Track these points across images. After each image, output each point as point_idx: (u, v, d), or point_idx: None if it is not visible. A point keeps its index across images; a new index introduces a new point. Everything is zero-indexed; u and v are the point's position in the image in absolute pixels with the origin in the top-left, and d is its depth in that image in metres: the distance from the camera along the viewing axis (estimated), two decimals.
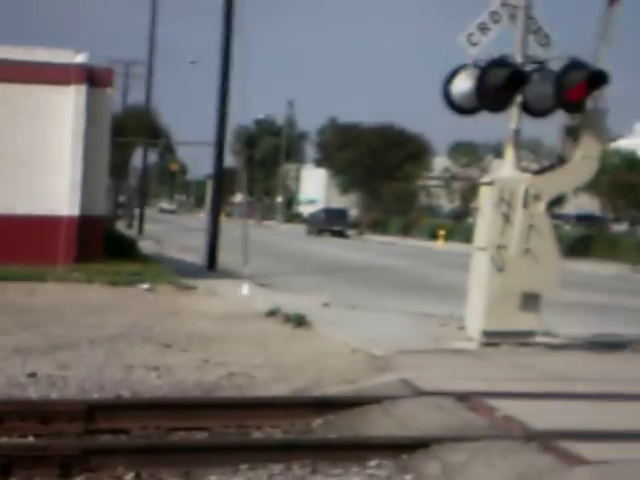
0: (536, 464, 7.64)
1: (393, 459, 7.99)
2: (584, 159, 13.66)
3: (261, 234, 53.16)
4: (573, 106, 13.53)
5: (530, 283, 13.30)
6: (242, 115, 46.20)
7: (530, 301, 13.42)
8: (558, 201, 31.42)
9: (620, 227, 56.48)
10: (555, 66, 13.59)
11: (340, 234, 69.26)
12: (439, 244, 58.59)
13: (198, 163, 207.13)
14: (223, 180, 29.14)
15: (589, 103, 13.57)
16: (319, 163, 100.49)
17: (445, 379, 10.74)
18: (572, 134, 13.76)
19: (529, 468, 7.58)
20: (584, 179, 14.51)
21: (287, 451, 7.92)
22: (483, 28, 13.89)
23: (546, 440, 8.12)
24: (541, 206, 13.42)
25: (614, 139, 55.71)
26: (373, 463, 7.94)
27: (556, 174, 13.92)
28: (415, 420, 9.04)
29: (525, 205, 13.26)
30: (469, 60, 13.77)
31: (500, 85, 13.26)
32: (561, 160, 13.98)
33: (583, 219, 66.66)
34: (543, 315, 13.62)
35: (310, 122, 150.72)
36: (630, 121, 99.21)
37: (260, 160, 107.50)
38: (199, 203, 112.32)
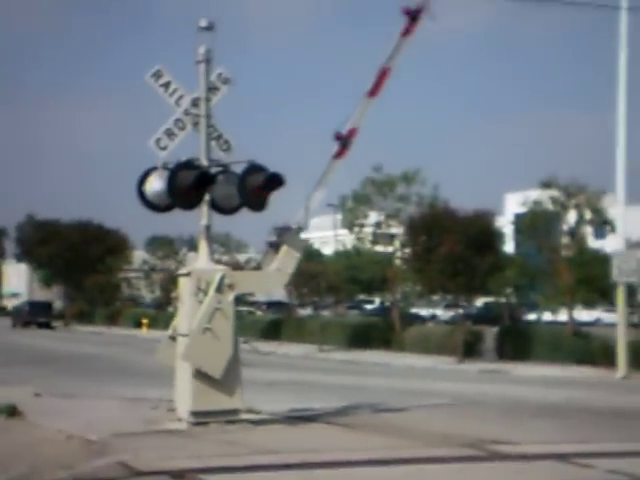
0: None
1: None
2: (278, 271, 14.23)
3: None
4: (255, 205, 14.07)
5: (201, 360, 13.25)
6: None
7: (233, 381, 13.53)
8: None
9: (305, 311, 58.35)
10: (237, 169, 14.13)
11: (46, 326, 66.81)
12: (143, 332, 57.82)
13: None
14: None
15: (292, 228, 14.26)
16: (20, 258, 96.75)
17: (159, 459, 10.55)
18: (275, 248, 14.31)
19: None
20: (275, 287, 15.29)
21: None
22: (170, 134, 14.28)
23: None
24: (231, 295, 13.60)
25: None
26: None
27: (253, 276, 14.44)
28: None
29: (219, 290, 13.43)
30: (159, 162, 14.03)
31: (189, 186, 13.60)
32: (259, 267, 14.47)
33: (273, 305, 68.47)
34: (246, 394, 13.76)
35: (9, 219, 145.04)
36: None
37: None
38: None
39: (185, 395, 13.48)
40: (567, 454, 11.41)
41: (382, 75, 14.50)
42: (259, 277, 14.42)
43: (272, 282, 14.60)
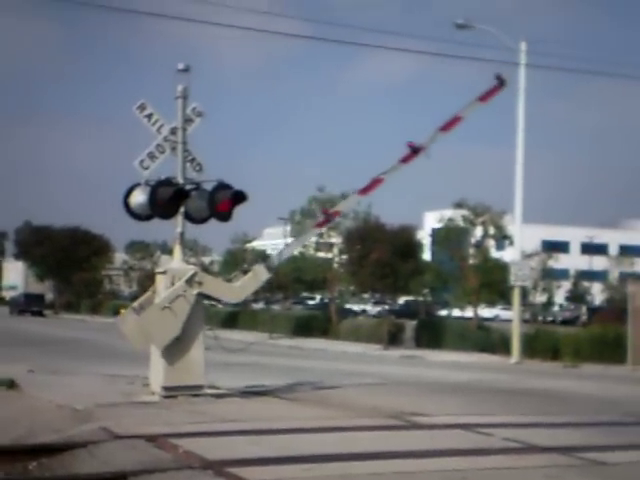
0: None
1: None
2: (240, 288, 14.33)
3: None
4: (222, 216, 14.10)
5: (152, 330, 13.09)
6: None
7: (197, 361, 13.49)
8: None
9: (258, 305, 58.14)
10: (208, 186, 14.16)
11: (39, 314, 65.76)
12: None
13: None
14: None
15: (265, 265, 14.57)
16: (17, 257, 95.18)
17: (136, 425, 10.46)
18: (244, 272, 14.49)
19: None
20: (234, 299, 15.15)
21: None
22: (152, 156, 14.26)
23: (219, 467, 8.18)
24: (196, 290, 13.52)
25: (250, 241, 57.97)
26: None
27: (220, 283, 14.43)
28: (115, 458, 8.72)
29: (188, 282, 13.40)
30: (142, 179, 14.03)
31: (167, 199, 13.61)
32: (229, 280, 14.59)
33: None
34: (208, 372, 13.73)
35: (9, 224, 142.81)
36: (261, 227, 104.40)
37: None
38: None
39: (158, 373, 13.41)
40: (471, 424, 11.58)
41: (375, 183, 14.88)
42: (224, 287, 14.39)
43: (233, 294, 14.55)
